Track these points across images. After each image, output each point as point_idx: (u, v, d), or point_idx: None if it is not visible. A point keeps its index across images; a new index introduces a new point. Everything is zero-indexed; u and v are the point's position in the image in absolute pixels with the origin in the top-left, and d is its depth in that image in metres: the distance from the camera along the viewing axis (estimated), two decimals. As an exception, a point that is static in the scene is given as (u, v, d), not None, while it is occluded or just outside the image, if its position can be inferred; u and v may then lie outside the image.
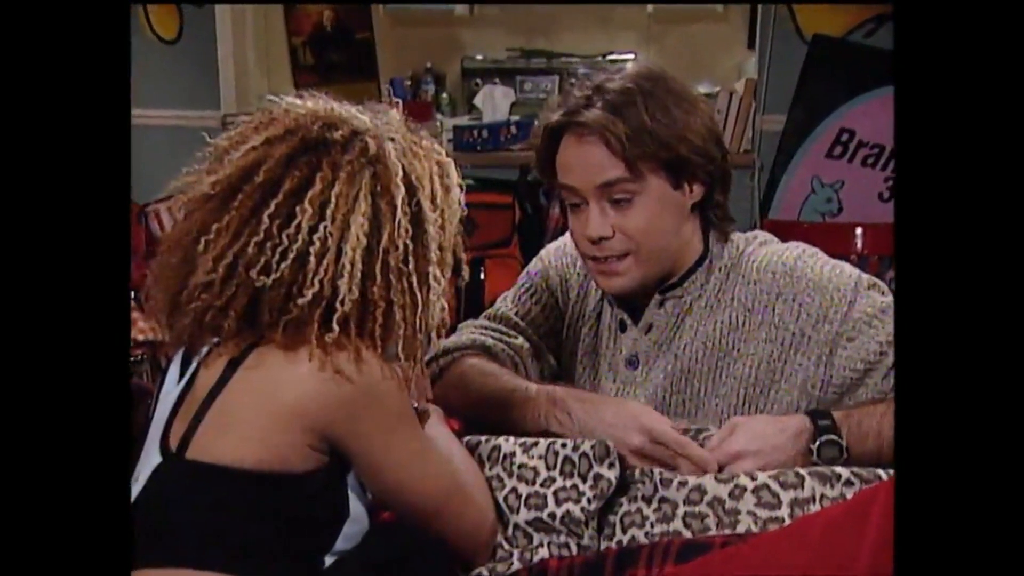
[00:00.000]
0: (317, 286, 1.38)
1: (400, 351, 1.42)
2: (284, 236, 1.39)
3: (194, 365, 1.45)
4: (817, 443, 1.59)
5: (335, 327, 1.38)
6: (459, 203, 1.49)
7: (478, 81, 6.00)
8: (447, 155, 1.51)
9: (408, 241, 1.42)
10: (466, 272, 1.52)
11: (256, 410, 1.38)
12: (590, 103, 1.68)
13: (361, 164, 1.42)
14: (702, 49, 5.82)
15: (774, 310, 1.71)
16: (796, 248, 1.77)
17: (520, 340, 1.88)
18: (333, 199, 1.39)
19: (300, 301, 1.38)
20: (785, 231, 3.55)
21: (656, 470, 1.57)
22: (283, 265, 1.38)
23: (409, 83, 5.91)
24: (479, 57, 6.18)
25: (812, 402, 1.68)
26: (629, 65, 1.76)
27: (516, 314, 1.90)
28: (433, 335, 1.47)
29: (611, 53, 6.14)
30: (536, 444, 1.61)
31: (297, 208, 1.39)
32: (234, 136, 1.46)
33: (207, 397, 1.40)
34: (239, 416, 1.38)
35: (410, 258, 1.42)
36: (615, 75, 1.71)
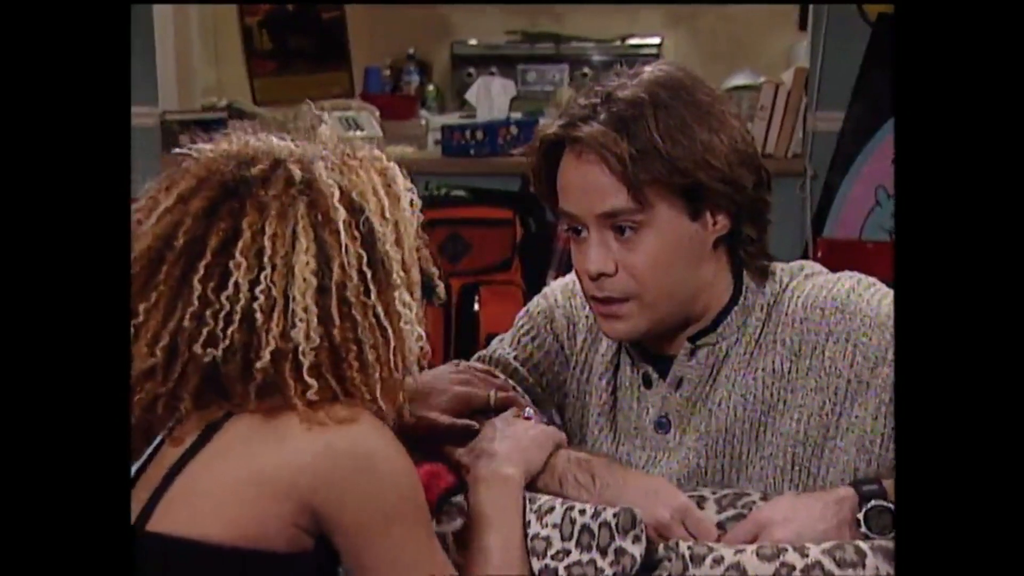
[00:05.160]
0: (273, 344, 1.43)
1: (380, 396, 1.47)
2: (223, 299, 1.44)
3: (158, 439, 1.49)
4: (863, 511, 1.62)
5: (310, 381, 1.43)
6: (411, 208, 1.54)
7: (471, 71, 6.04)
8: (390, 159, 1.56)
9: (364, 268, 1.47)
10: (441, 290, 1.57)
11: (232, 477, 1.43)
12: (593, 115, 1.71)
13: (291, 196, 1.47)
14: (742, 31, 5.85)
15: (824, 353, 1.73)
16: (849, 279, 1.78)
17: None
18: (268, 244, 1.45)
19: (260, 365, 1.43)
20: (844, 252, 3.55)
21: (684, 543, 1.60)
22: (230, 331, 1.44)
23: (388, 73, 5.93)
24: (472, 42, 6.22)
25: (872, 462, 1.70)
26: (648, 68, 1.77)
27: (515, 358, 1.93)
28: (414, 369, 1.53)
29: (631, 36, 6.18)
30: (552, 510, 1.65)
31: (230, 264, 1.44)
32: (144, 204, 1.51)
33: (175, 465, 1.45)
34: (212, 484, 1.43)
35: (371, 287, 1.47)
36: (630, 81, 1.73)
